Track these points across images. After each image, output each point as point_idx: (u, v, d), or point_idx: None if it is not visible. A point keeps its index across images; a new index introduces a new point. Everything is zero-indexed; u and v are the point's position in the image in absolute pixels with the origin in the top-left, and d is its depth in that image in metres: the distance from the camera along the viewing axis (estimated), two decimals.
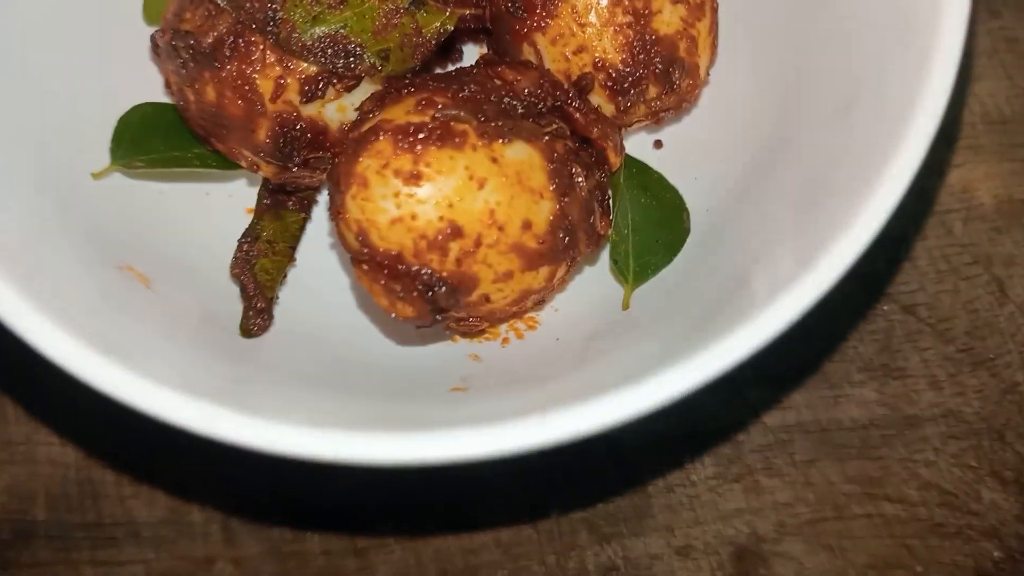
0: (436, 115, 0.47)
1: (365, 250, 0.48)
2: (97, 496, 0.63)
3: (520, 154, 0.48)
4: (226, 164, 0.55)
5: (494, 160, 0.47)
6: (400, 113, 0.48)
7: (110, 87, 0.56)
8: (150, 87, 0.58)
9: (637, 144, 0.63)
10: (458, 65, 0.60)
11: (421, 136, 0.46)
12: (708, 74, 0.56)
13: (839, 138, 0.47)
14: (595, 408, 0.38)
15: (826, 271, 0.41)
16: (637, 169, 0.60)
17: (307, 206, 0.59)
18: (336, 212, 0.49)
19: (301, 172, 0.53)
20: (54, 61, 0.54)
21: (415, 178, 0.46)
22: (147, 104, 0.57)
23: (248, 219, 0.59)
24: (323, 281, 0.56)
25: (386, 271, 0.47)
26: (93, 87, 0.56)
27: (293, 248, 0.57)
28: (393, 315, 0.48)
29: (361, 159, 0.46)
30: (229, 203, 0.60)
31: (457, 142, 0.46)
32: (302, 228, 0.59)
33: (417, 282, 0.47)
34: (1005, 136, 0.71)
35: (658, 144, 0.62)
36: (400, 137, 0.46)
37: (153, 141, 0.56)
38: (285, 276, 0.56)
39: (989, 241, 0.69)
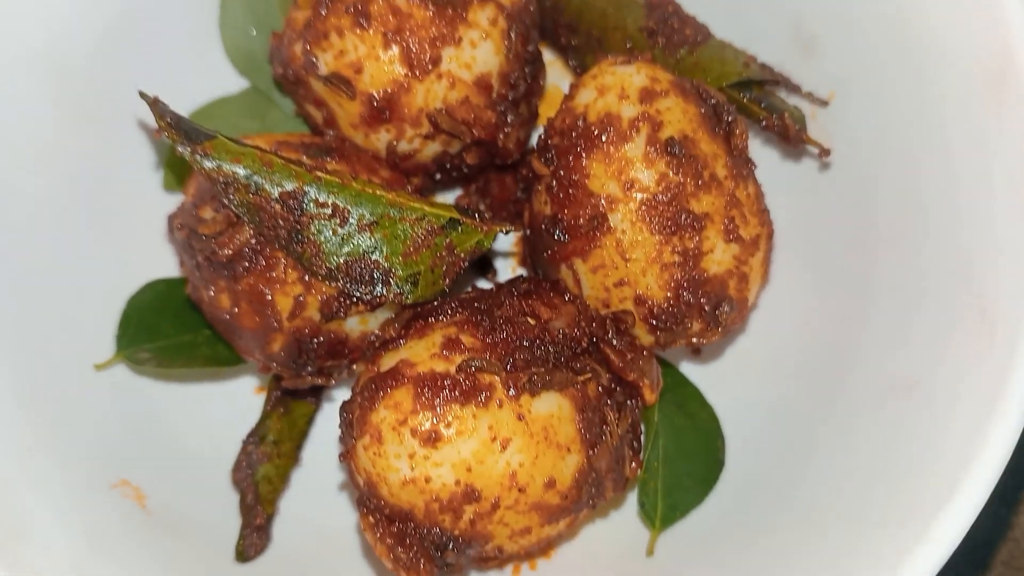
0: (463, 362, 0.43)
1: (372, 500, 0.44)
2: None
3: (549, 406, 0.45)
4: (236, 359, 0.52)
5: (520, 417, 0.44)
6: (424, 354, 0.44)
7: (121, 261, 0.54)
8: (164, 261, 0.55)
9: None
10: (494, 281, 0.57)
11: (444, 391, 0.42)
12: (757, 300, 0.52)
13: (897, 424, 0.43)
14: None
15: None
16: (674, 381, 0.56)
17: (317, 396, 0.56)
18: (347, 452, 0.45)
19: (315, 377, 0.50)
20: (57, 243, 0.52)
21: (433, 440, 0.42)
22: (160, 281, 0.55)
23: (257, 400, 0.56)
24: (325, 492, 0.53)
25: (393, 526, 0.44)
26: (101, 268, 0.53)
27: (299, 447, 0.54)
28: (396, 573, 0.44)
29: (378, 409, 0.43)
30: (238, 383, 0.57)
31: (482, 399, 0.43)
32: (311, 420, 0.56)
33: (426, 541, 0.43)
34: None
35: (696, 351, 0.59)
36: (422, 389, 0.43)
37: (163, 324, 0.53)
38: (287, 483, 0.53)
39: None
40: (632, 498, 0.53)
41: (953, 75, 0.45)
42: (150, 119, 0.49)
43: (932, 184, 0.46)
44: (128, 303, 0.53)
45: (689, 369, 0.57)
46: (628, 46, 0.54)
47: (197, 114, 0.58)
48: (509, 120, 0.52)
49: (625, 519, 0.53)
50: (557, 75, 0.61)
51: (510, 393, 0.44)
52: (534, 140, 0.58)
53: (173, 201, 0.57)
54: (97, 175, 0.54)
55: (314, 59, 0.50)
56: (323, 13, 0.49)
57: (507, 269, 0.60)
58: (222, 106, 0.59)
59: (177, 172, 0.56)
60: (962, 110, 0.45)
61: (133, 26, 0.55)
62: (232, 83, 0.59)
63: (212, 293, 0.48)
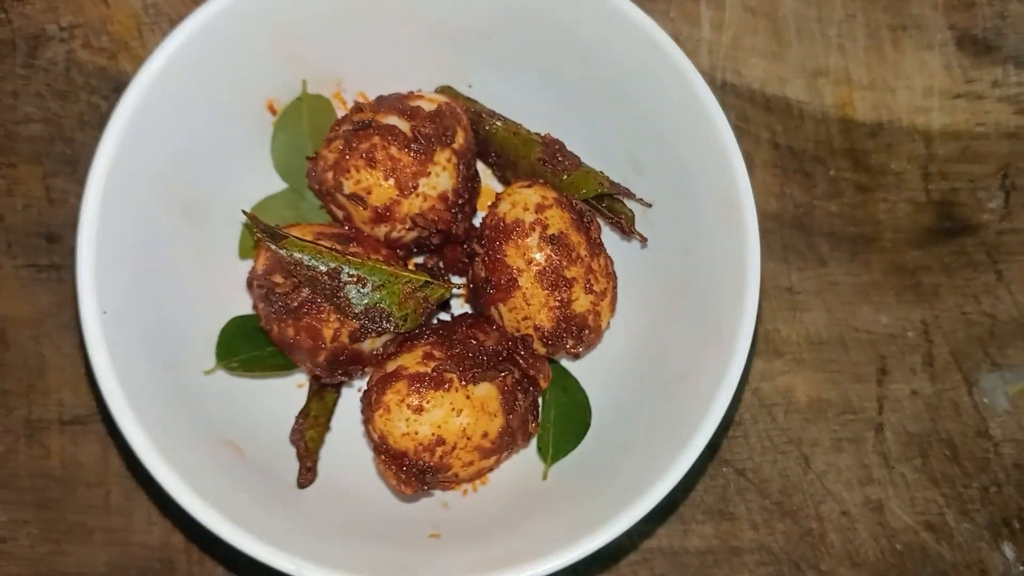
0: (435, 367, 0.75)
1: (383, 446, 0.75)
2: (173, 572, 0.86)
3: (484, 391, 0.75)
4: (291, 366, 0.82)
5: (468, 397, 0.74)
6: (412, 362, 0.76)
7: (214, 304, 0.82)
8: (241, 303, 0.84)
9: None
10: (450, 314, 0.89)
11: (424, 383, 0.74)
12: (608, 325, 0.85)
13: (676, 394, 0.75)
14: (525, 571, 0.66)
15: (655, 495, 0.70)
16: (560, 375, 0.86)
17: (339, 388, 0.86)
18: (367, 420, 0.76)
19: (341, 378, 0.81)
20: (183, 292, 0.80)
21: (419, 410, 0.73)
22: (239, 317, 0.78)
23: (300, 393, 0.85)
24: (349, 450, 0.81)
25: (396, 462, 0.75)
26: (204, 309, 0.80)
27: (329, 419, 0.85)
28: (398, 489, 0.76)
29: (387, 393, 0.74)
30: (290, 385, 0.85)
31: (446, 387, 0.74)
32: (335, 403, 0.86)
33: (415, 469, 0.75)
34: (820, 354, 0.92)
35: (574, 356, 0.90)
36: (411, 382, 0.74)
37: (243, 345, 0.81)
38: (323, 442, 0.84)
39: (801, 427, 0.90)
40: (533, 444, 0.79)
41: (711, 199, 0.77)
42: (237, 214, 0.79)
43: (700, 262, 0.77)
44: (221, 331, 0.77)
45: (570, 365, 0.82)
46: (531, 169, 0.86)
47: (257, 206, 0.86)
48: (459, 217, 0.82)
49: (529, 457, 0.79)
50: (488, 178, 0.92)
51: (462, 383, 0.75)
52: (476, 221, 0.84)
53: (244, 265, 0.81)
54: (200, 248, 0.78)
55: (340, 183, 0.80)
56: (347, 157, 0.79)
57: (458, 305, 0.86)
58: (271, 201, 0.84)
59: (247, 248, 0.86)
60: (715, 218, 0.76)
61: (215, 149, 0.78)
62: (277, 185, 0.83)
63: (281, 327, 0.78)
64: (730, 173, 0.73)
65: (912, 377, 0.93)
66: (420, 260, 0.85)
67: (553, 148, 0.81)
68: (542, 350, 0.77)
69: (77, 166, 0.94)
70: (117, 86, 0.95)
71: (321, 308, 0.71)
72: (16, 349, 0.93)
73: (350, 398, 0.81)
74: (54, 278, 0.93)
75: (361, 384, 0.81)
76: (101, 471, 0.86)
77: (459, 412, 0.70)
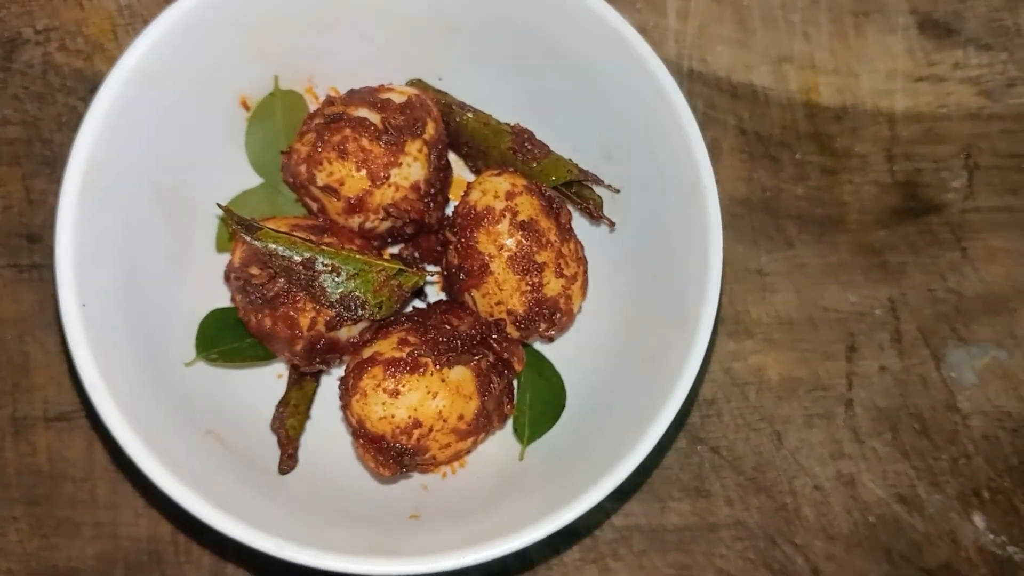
0: (410, 352, 0.77)
1: (361, 431, 0.77)
2: (161, 562, 0.90)
3: (459, 374, 0.78)
4: (270, 356, 0.84)
5: (443, 380, 0.76)
6: (388, 348, 0.78)
7: (193, 298, 0.84)
8: (220, 295, 0.86)
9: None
10: (426, 301, 0.91)
11: (400, 367, 0.76)
12: (580, 309, 0.87)
13: (645, 374, 0.78)
14: (502, 545, 0.68)
15: (624, 470, 0.72)
16: (535, 359, 0.89)
17: (318, 377, 0.88)
18: (345, 405, 0.78)
19: (319, 366, 0.83)
20: (163, 286, 0.83)
21: (395, 394, 0.76)
22: (218, 310, 0.79)
23: (280, 382, 0.87)
24: (329, 437, 0.84)
25: (374, 445, 0.77)
26: (184, 302, 0.83)
27: (309, 407, 0.87)
28: (377, 472, 0.78)
29: (363, 379, 0.76)
30: (270, 375, 0.87)
31: (421, 371, 0.76)
32: (315, 392, 0.88)
33: (392, 452, 0.77)
34: (790, 333, 0.94)
35: (548, 340, 0.92)
36: (387, 367, 0.76)
37: (222, 337, 0.83)
38: (304, 429, 0.85)
39: (773, 405, 0.92)
40: (509, 426, 0.81)
41: (677, 183, 0.80)
42: (213, 208, 0.81)
43: (667, 246, 0.80)
44: (200, 323, 0.79)
45: (544, 349, 0.85)
46: (501, 159, 0.88)
47: (233, 201, 0.89)
48: (432, 206, 0.85)
49: (506, 439, 0.81)
50: (460, 168, 0.95)
51: (437, 367, 0.77)
52: (450, 210, 0.91)
53: (221, 258, 0.83)
54: (178, 242, 0.81)
55: (313, 175, 0.82)
56: (319, 150, 0.81)
57: (434, 293, 0.91)
58: (247, 195, 0.86)
59: (224, 241, 0.88)
60: (680, 203, 0.79)
61: (191, 145, 0.80)
62: (253, 180, 0.85)
63: (259, 318, 0.80)
64: (693, 159, 0.76)
65: (880, 354, 0.95)
66: (396, 250, 0.86)
67: (522, 137, 0.83)
68: (516, 334, 0.79)
69: (56, 167, 0.96)
70: (93, 87, 0.96)
71: (297, 298, 0.74)
72: (1, 348, 0.94)
73: (329, 386, 0.82)
74: (36, 277, 0.95)
75: (339, 372, 0.82)
76: (87, 466, 0.87)
77: (435, 395, 0.72)
